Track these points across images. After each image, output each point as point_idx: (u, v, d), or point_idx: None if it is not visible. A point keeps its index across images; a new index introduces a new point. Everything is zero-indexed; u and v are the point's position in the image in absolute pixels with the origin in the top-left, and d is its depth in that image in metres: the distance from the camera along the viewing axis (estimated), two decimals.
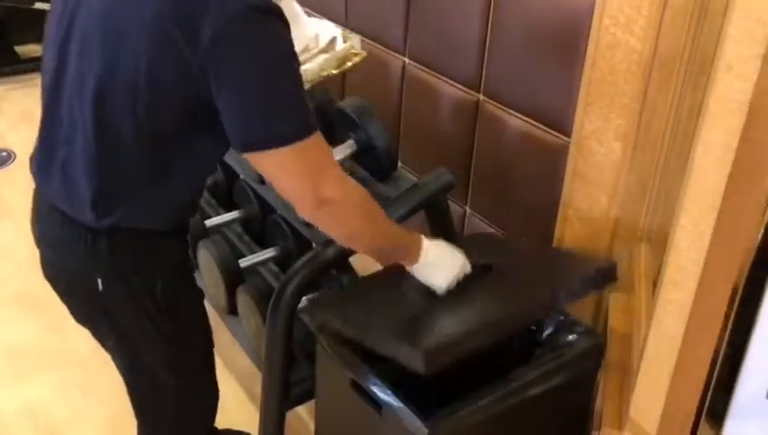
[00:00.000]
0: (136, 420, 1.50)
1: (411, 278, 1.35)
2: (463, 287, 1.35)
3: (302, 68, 1.47)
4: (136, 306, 1.25)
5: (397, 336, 1.27)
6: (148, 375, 1.37)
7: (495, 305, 1.37)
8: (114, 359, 1.40)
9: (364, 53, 1.73)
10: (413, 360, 1.20)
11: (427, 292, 1.35)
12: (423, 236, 1.33)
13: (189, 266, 1.38)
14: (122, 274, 1.22)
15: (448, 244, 1.37)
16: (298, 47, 1.09)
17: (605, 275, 1.42)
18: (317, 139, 1.10)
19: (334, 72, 1.67)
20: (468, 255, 1.38)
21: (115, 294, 1.23)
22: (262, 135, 1.06)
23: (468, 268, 1.36)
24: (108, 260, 1.20)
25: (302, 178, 1.10)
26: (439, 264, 1.32)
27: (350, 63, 1.68)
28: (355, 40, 1.73)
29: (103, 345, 1.39)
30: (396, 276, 1.38)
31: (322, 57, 1.64)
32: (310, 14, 2.49)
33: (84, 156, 1.14)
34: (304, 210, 1.15)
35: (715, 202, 0.92)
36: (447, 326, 1.33)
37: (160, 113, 1.09)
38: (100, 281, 1.21)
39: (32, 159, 1.28)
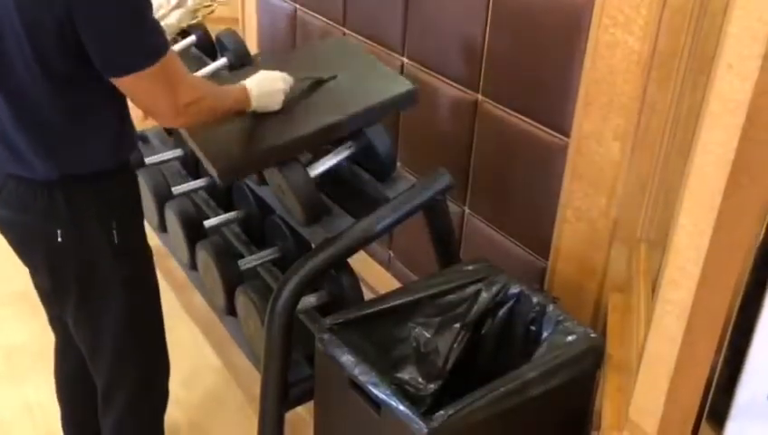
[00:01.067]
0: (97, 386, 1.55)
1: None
2: (289, 105, 1.58)
3: (162, 24, 1.80)
4: (94, 252, 1.35)
5: (211, 150, 1.54)
6: (108, 335, 1.44)
7: (303, 124, 1.56)
8: (74, 326, 1.47)
9: (215, 5, 2.03)
10: (212, 172, 1.53)
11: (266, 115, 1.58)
12: (244, 82, 1.52)
13: (140, 209, 1.48)
14: (79, 222, 1.32)
15: (264, 71, 1.56)
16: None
17: (406, 99, 1.59)
18: (170, 56, 1.25)
19: (192, 22, 2.01)
20: (307, 67, 1.68)
21: (74, 244, 1.33)
22: (124, 61, 1.21)
23: (290, 80, 1.58)
24: (65, 210, 1.30)
25: (163, 94, 1.25)
26: (263, 93, 1.52)
27: (199, 15, 2.01)
28: None
29: (60, 308, 1.48)
30: None
31: (177, 12, 1.94)
32: (307, 14, 2.50)
33: (8, 114, 1.26)
34: (167, 120, 1.37)
35: (715, 201, 0.92)
36: (249, 145, 1.55)
37: (48, 59, 1.20)
38: (59, 232, 1.31)
39: None
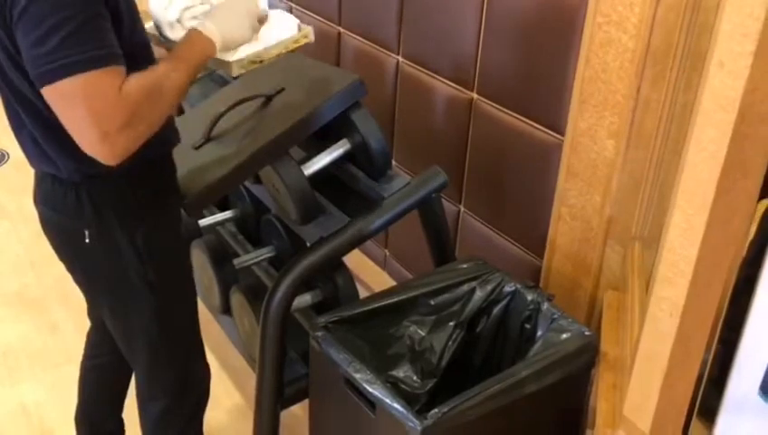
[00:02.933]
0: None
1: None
2: (240, 126, 1.54)
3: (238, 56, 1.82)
4: (119, 255, 1.31)
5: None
6: (142, 337, 1.42)
7: (258, 138, 1.53)
8: (110, 327, 1.46)
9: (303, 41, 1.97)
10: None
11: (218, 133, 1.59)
12: (199, 29, 1.28)
13: (172, 213, 1.41)
14: (104, 223, 1.28)
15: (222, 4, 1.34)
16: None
17: (354, 90, 1.57)
18: (102, 73, 1.07)
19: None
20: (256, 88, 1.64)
21: (100, 246, 1.30)
22: (48, 67, 1.06)
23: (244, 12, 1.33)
24: (90, 211, 1.27)
25: (83, 113, 1.07)
26: (231, 28, 1.30)
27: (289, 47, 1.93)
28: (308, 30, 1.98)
29: (100, 311, 1.46)
30: None
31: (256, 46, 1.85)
32: (303, 13, 2.49)
33: (26, 114, 1.22)
34: (94, 149, 1.11)
35: (708, 199, 0.92)
36: (209, 173, 1.51)
37: (14, 64, 1.14)
38: (87, 233, 1.29)
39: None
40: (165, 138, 1.32)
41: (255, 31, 1.37)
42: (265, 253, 1.98)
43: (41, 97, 1.13)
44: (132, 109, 1.10)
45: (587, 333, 1.42)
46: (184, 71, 1.22)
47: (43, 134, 1.24)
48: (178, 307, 1.46)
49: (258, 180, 1.77)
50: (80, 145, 1.12)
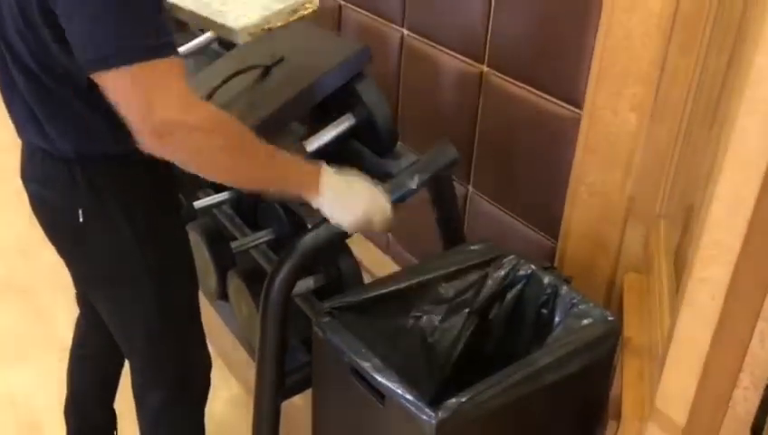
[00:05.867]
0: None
1: None
2: (236, 96, 1.43)
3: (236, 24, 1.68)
4: (116, 237, 1.24)
5: None
6: (139, 325, 1.35)
7: (257, 110, 1.42)
8: (105, 315, 1.39)
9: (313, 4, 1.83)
10: None
11: None
12: (325, 168, 1.23)
13: (171, 191, 1.34)
14: (100, 204, 1.22)
15: (356, 175, 1.27)
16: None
17: (359, 59, 1.45)
18: (163, 63, 1.02)
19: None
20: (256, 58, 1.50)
21: (95, 226, 1.23)
22: (92, 53, 1.00)
23: (383, 203, 1.28)
24: (85, 190, 1.20)
25: (136, 102, 1.02)
26: (338, 200, 1.23)
27: (297, 15, 1.80)
28: None
29: (90, 296, 1.40)
30: None
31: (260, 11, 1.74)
32: None
33: (24, 85, 1.15)
34: (141, 137, 1.05)
35: (761, 166, 0.83)
36: None
37: (40, 38, 1.08)
38: (80, 212, 1.21)
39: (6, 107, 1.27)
40: None
41: (371, 227, 1.29)
42: (264, 236, 1.89)
43: (48, 72, 1.10)
44: (195, 115, 1.05)
45: (610, 318, 1.33)
46: (271, 167, 1.17)
47: (42, 109, 1.17)
48: (179, 293, 1.38)
49: None
50: (133, 125, 1.05)
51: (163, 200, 1.31)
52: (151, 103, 1.02)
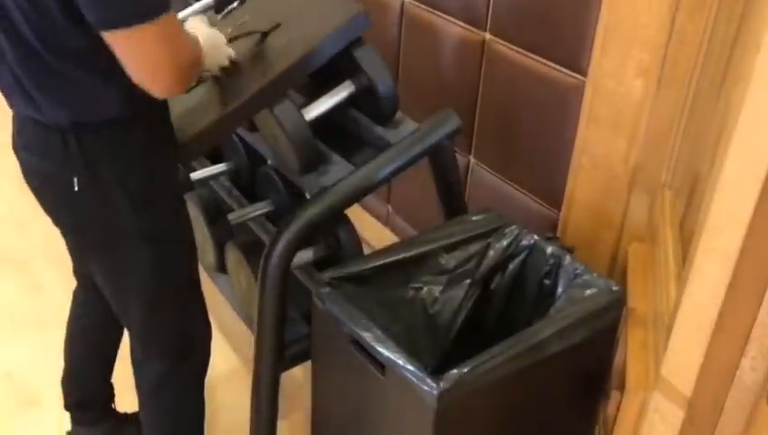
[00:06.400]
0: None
1: None
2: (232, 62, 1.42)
3: None
4: (113, 204, 1.23)
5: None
6: (136, 293, 1.34)
7: (255, 81, 1.41)
8: (101, 284, 1.37)
9: None
10: None
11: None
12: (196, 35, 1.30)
13: (167, 156, 1.33)
14: (95, 171, 1.21)
15: (206, 27, 1.40)
16: None
17: (357, 24, 1.42)
18: (172, 14, 1.10)
19: None
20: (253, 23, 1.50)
21: (91, 194, 1.22)
22: (117, 10, 1.04)
23: (222, 44, 1.39)
24: (79, 158, 1.19)
25: (165, 57, 1.09)
26: (211, 48, 1.34)
27: None
28: None
29: (87, 266, 1.38)
30: None
31: None
32: None
33: (13, 54, 1.14)
34: (166, 88, 1.14)
35: None
36: (202, 117, 1.40)
37: (41, 5, 1.07)
38: (75, 180, 1.20)
39: None
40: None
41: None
42: (262, 207, 1.86)
43: (46, 41, 1.08)
44: (197, 54, 1.19)
45: (614, 288, 1.31)
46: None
47: (33, 80, 1.15)
48: (176, 260, 1.36)
49: (254, 128, 1.65)
50: (147, 83, 1.11)
51: (159, 167, 1.29)
52: (175, 52, 1.10)
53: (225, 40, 1.41)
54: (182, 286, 1.40)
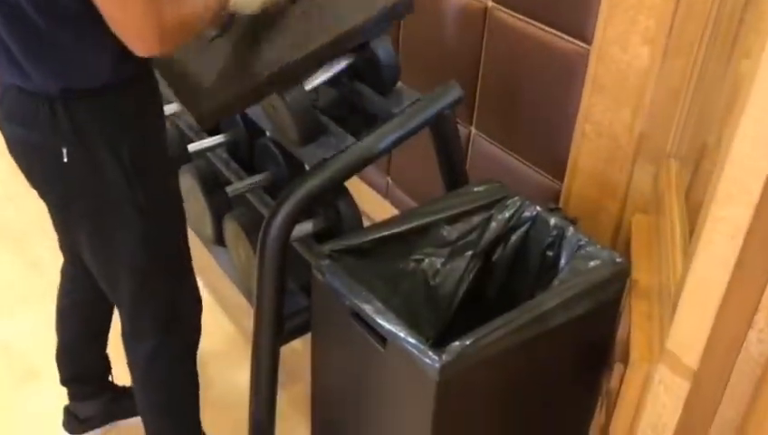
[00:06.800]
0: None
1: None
2: (267, 26, 1.38)
3: None
4: (104, 174, 1.20)
5: (185, 90, 1.39)
6: (125, 266, 1.31)
7: (289, 49, 1.36)
8: (89, 258, 1.35)
9: None
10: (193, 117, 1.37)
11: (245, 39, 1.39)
12: None
13: (158, 125, 1.30)
14: (85, 140, 1.18)
15: None
16: None
17: (403, 6, 1.38)
18: None
19: None
20: None
21: (81, 164, 1.20)
22: None
23: None
24: (69, 127, 1.16)
25: (145, 13, 1.05)
26: None
27: None
28: None
29: (75, 239, 1.35)
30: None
31: None
32: None
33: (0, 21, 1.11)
34: (147, 47, 1.10)
35: None
36: (231, 81, 1.37)
37: None
38: (65, 151, 1.17)
39: None
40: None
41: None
42: (261, 180, 1.84)
43: (37, 6, 1.05)
44: (184, 11, 1.12)
45: (618, 259, 1.29)
46: (206, 13, 1.21)
47: (21, 43, 1.12)
48: (167, 230, 1.34)
49: None
50: (131, 41, 1.08)
51: (150, 135, 1.27)
52: (160, 13, 1.06)
53: None
54: (171, 255, 1.38)
